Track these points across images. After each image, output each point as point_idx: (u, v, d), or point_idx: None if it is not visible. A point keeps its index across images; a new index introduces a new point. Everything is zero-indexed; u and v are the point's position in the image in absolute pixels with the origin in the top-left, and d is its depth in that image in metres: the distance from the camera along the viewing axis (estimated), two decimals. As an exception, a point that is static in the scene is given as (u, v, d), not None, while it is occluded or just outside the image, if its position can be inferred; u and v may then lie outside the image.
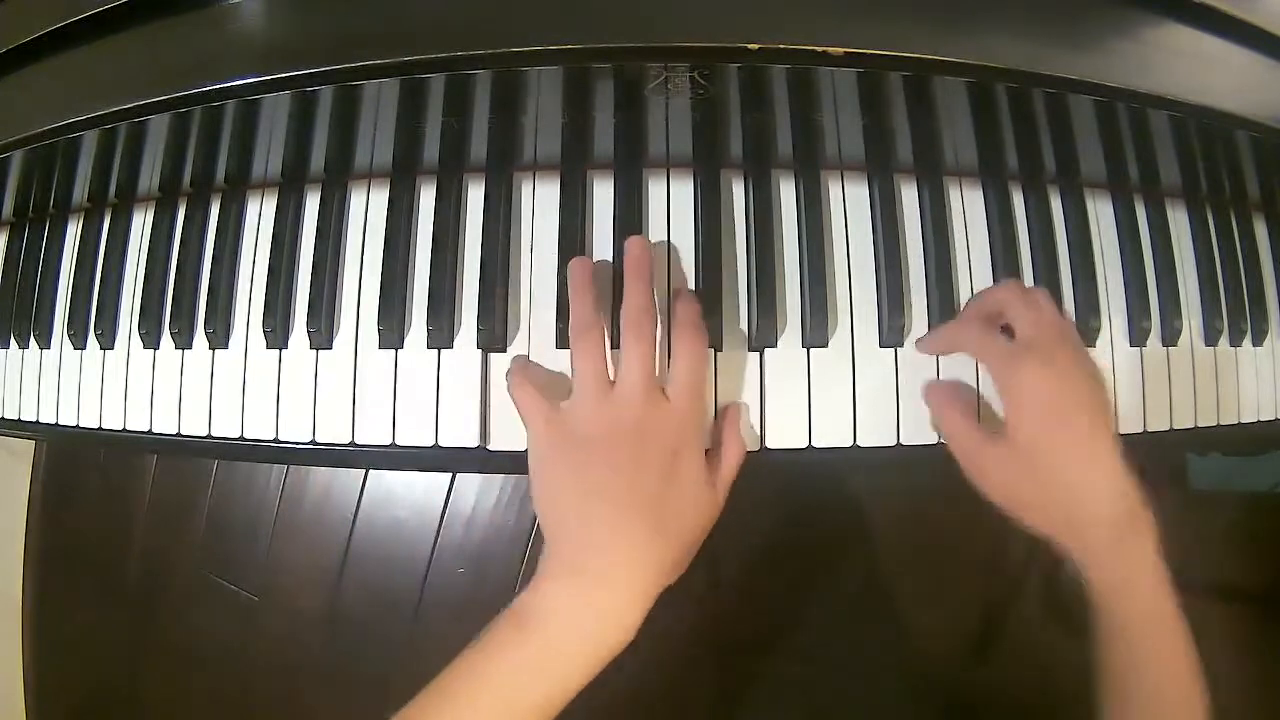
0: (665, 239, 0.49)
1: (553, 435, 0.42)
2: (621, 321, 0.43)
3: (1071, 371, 0.44)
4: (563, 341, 0.48)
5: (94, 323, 0.54)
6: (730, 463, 0.45)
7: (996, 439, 0.44)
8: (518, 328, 0.48)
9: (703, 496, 0.42)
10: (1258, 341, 0.55)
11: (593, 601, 0.39)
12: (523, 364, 0.47)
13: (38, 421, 0.55)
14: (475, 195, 0.50)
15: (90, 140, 0.46)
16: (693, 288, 0.48)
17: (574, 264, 0.45)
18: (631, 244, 0.45)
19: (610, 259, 0.48)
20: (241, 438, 0.50)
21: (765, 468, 0.47)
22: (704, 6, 0.38)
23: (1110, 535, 0.43)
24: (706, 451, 0.45)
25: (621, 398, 0.41)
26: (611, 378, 0.42)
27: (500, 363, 0.48)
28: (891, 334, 0.48)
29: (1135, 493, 0.43)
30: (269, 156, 0.50)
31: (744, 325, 0.48)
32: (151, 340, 0.52)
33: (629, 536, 0.39)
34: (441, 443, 0.48)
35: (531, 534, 1.18)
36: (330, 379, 0.49)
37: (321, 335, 0.49)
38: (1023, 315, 0.46)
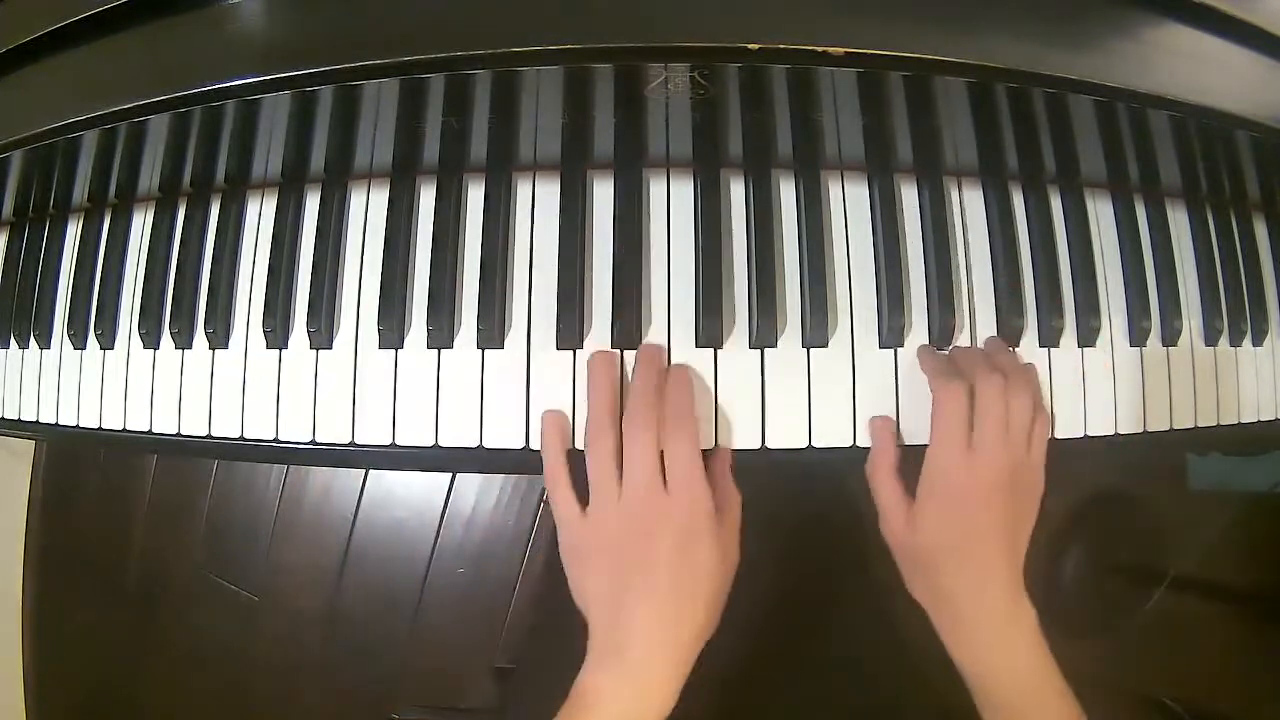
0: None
1: (579, 540, 0.45)
2: (624, 424, 0.44)
3: (993, 483, 0.44)
4: (563, 342, 0.48)
5: (94, 323, 0.54)
6: (732, 515, 0.46)
7: (909, 505, 0.46)
8: (518, 327, 0.48)
9: (717, 568, 0.44)
10: (1258, 341, 0.55)
11: (634, 681, 0.43)
12: (559, 441, 0.46)
13: (38, 421, 0.55)
14: (475, 195, 0.50)
15: (90, 140, 0.46)
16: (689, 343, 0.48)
17: (595, 362, 0.47)
18: (644, 350, 0.47)
19: (610, 258, 0.48)
20: (241, 438, 0.50)
21: (765, 468, 0.47)
22: (704, 6, 0.38)
23: (979, 630, 0.44)
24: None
25: (628, 502, 0.43)
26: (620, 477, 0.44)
27: (499, 360, 0.48)
28: (891, 334, 0.48)
29: (1018, 594, 0.44)
30: (269, 156, 0.50)
31: (744, 325, 0.48)
32: (151, 340, 0.52)
33: (656, 622, 0.43)
34: (441, 443, 0.48)
35: (531, 534, 1.18)
36: (330, 379, 0.49)
37: (321, 335, 0.49)
38: (986, 413, 0.44)
